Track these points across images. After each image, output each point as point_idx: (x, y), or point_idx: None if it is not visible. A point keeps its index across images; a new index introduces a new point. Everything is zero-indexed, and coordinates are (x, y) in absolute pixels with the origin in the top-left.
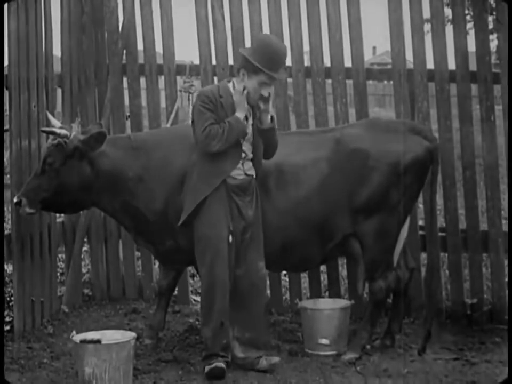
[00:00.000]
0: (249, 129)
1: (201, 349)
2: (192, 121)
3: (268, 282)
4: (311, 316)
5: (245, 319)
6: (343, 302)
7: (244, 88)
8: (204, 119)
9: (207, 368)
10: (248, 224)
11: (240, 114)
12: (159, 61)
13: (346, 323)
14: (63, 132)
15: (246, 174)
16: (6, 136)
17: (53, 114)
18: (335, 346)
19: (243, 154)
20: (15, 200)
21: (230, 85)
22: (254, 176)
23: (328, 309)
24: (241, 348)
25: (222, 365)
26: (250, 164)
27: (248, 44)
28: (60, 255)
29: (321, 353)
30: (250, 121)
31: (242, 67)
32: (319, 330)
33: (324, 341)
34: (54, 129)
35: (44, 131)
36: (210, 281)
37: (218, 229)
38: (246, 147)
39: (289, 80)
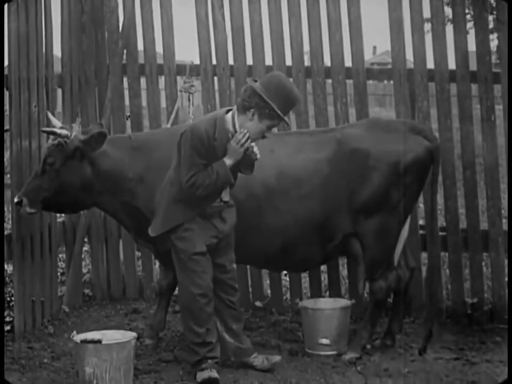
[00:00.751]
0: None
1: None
2: (178, 149)
3: (268, 281)
4: (312, 316)
5: (228, 313)
6: (344, 302)
7: (245, 142)
8: (191, 164)
9: (199, 377)
10: (223, 236)
11: (229, 162)
12: (159, 61)
13: (346, 323)
14: (64, 132)
15: (222, 201)
16: (6, 136)
17: (53, 114)
18: (335, 346)
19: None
20: (15, 200)
21: (229, 119)
22: (230, 201)
23: (329, 308)
24: (231, 338)
25: (215, 374)
26: (228, 190)
27: (248, 43)
28: (60, 255)
29: (322, 353)
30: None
31: (254, 107)
32: (320, 330)
33: (325, 341)
34: (54, 129)
35: (44, 131)
36: (192, 292)
37: (196, 245)
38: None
39: (289, 80)
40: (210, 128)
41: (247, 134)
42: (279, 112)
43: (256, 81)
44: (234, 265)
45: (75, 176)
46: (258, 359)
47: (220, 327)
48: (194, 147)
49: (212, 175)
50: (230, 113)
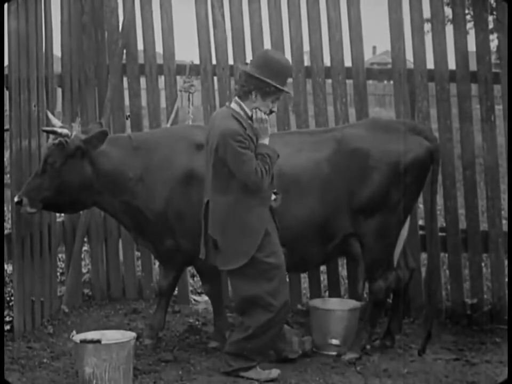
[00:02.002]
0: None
1: (202, 348)
2: (216, 152)
3: None
4: (323, 316)
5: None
6: (353, 303)
7: (264, 113)
8: (246, 159)
9: (255, 375)
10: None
11: (267, 141)
12: (159, 60)
13: (355, 324)
14: (64, 131)
15: (275, 194)
16: (6, 136)
17: (53, 114)
18: (344, 347)
19: None
20: (16, 199)
21: (238, 109)
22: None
23: (340, 309)
24: (288, 334)
25: (278, 371)
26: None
27: (248, 43)
28: (59, 255)
29: (331, 353)
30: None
31: (254, 89)
32: (330, 331)
33: (335, 341)
34: (55, 128)
35: (45, 130)
36: (280, 305)
37: (280, 254)
38: None
39: (289, 80)
40: (235, 123)
41: (261, 110)
42: (278, 86)
43: (247, 64)
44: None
45: (76, 176)
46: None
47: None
48: (238, 145)
49: (264, 158)
50: (233, 105)
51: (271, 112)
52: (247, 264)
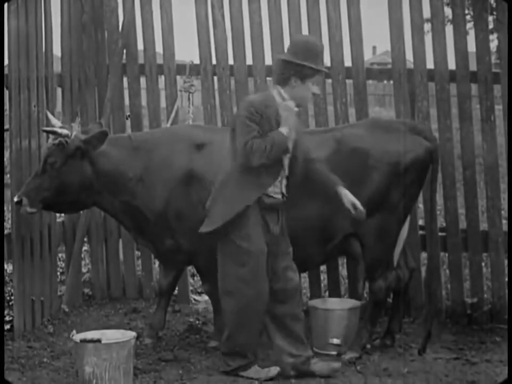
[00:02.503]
0: (290, 145)
1: (202, 348)
2: (233, 130)
3: None
4: (323, 316)
5: (284, 327)
6: (353, 302)
7: (293, 106)
8: (247, 131)
9: (254, 373)
10: (274, 238)
11: (284, 130)
12: (159, 60)
13: (356, 323)
14: (65, 131)
15: (282, 194)
16: (6, 135)
17: (53, 114)
18: (344, 347)
19: (282, 171)
20: (15, 199)
21: (275, 94)
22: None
23: (340, 309)
24: (290, 347)
25: (278, 368)
26: (286, 181)
27: (248, 43)
28: (60, 255)
29: (331, 352)
30: (293, 135)
31: (294, 74)
32: (330, 330)
33: (335, 341)
34: (55, 128)
35: (45, 130)
36: (250, 294)
37: (258, 243)
38: (286, 163)
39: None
40: (260, 98)
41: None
42: (315, 66)
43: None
44: (293, 275)
45: (76, 176)
46: (318, 365)
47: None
48: (250, 115)
49: (268, 140)
50: (272, 91)
51: (313, 94)
52: (224, 243)
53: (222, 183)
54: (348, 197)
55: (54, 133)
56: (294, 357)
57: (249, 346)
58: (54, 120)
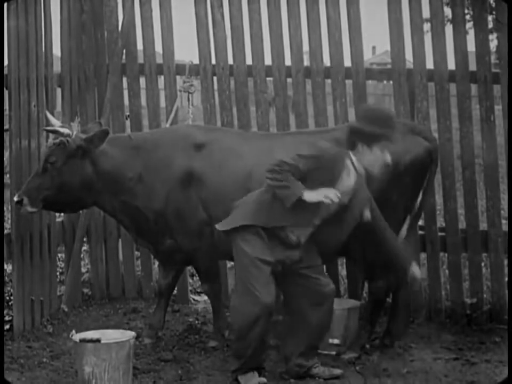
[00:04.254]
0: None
1: (201, 348)
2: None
3: None
4: None
5: (308, 336)
6: (353, 302)
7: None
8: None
9: (244, 380)
10: (292, 263)
11: (306, 197)
12: (159, 60)
13: (356, 323)
14: (66, 130)
15: (297, 241)
16: (6, 135)
17: (52, 114)
18: (344, 347)
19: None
20: (15, 199)
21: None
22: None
23: (340, 308)
24: (301, 357)
25: (264, 379)
26: (320, 215)
27: (248, 43)
28: (59, 255)
29: (331, 352)
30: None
31: (359, 140)
32: (330, 330)
33: (335, 341)
34: (57, 127)
35: (46, 130)
36: (265, 302)
37: (262, 251)
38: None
39: (289, 80)
40: (310, 155)
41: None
42: (377, 130)
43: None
44: (327, 281)
45: (76, 175)
46: (318, 368)
47: (288, 352)
48: (310, 159)
49: (290, 181)
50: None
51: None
52: (235, 247)
53: (260, 192)
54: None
55: (55, 132)
56: (301, 367)
57: (252, 356)
58: (53, 120)
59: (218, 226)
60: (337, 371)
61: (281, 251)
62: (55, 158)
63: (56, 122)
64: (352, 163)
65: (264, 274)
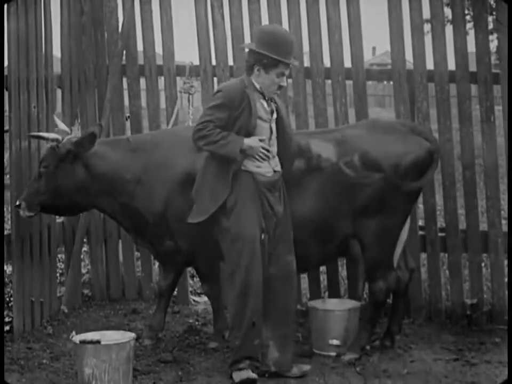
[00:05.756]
0: (273, 126)
1: (201, 349)
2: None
3: None
4: (322, 317)
5: (277, 316)
6: (353, 303)
7: (269, 99)
8: (209, 112)
9: (236, 377)
10: (279, 220)
11: (244, 146)
12: (159, 61)
13: (356, 324)
14: (52, 135)
15: (274, 171)
16: (6, 136)
17: (52, 115)
18: (344, 348)
19: (268, 153)
20: (16, 203)
21: (248, 82)
22: (281, 172)
23: (340, 309)
24: (275, 346)
25: (253, 375)
26: (277, 160)
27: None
28: (59, 256)
29: (331, 353)
30: (275, 116)
31: (255, 63)
32: (330, 331)
33: (335, 342)
34: (41, 133)
35: (31, 136)
36: (246, 282)
37: (252, 229)
38: (272, 145)
39: (289, 80)
40: (239, 83)
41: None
42: (276, 56)
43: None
44: (292, 258)
45: (69, 179)
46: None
47: (265, 333)
48: (219, 97)
49: (222, 135)
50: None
51: (280, 87)
52: (220, 232)
53: (203, 172)
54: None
55: (40, 137)
56: (275, 362)
57: (249, 340)
58: (61, 125)
59: (190, 220)
60: (306, 367)
61: (270, 211)
62: (47, 163)
63: (63, 127)
64: (254, 86)
65: (255, 252)
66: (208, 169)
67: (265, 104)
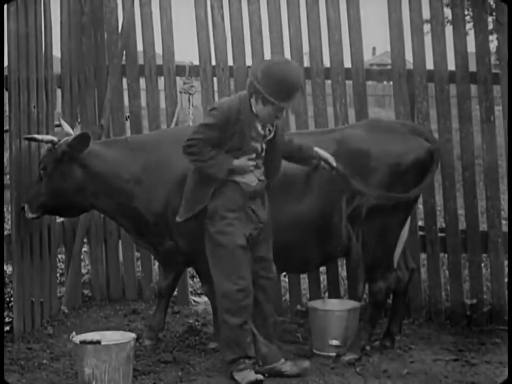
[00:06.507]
0: (264, 144)
1: (201, 349)
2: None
3: None
4: (322, 317)
5: (260, 312)
6: (353, 303)
7: (264, 127)
8: (201, 129)
9: (242, 378)
10: (263, 225)
11: (233, 167)
12: (159, 61)
13: (356, 324)
14: (46, 137)
15: (259, 180)
16: (6, 136)
17: (52, 115)
18: (344, 348)
19: (258, 160)
20: (21, 205)
21: (252, 102)
22: (265, 181)
23: (340, 310)
24: (262, 342)
25: (261, 376)
26: (262, 170)
27: (248, 44)
28: (59, 256)
29: (331, 354)
30: (270, 137)
31: (253, 93)
32: (330, 332)
33: (335, 342)
34: (35, 135)
35: (26, 138)
36: (229, 287)
37: (235, 237)
38: (259, 158)
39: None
40: (236, 103)
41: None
42: (271, 99)
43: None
44: (271, 263)
45: (67, 180)
46: (286, 365)
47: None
48: (214, 116)
49: (211, 155)
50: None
51: (277, 117)
52: (207, 239)
53: (191, 174)
54: (324, 155)
55: (34, 140)
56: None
57: (236, 348)
58: (66, 127)
59: (178, 218)
60: (305, 363)
61: (254, 217)
62: (45, 164)
63: (68, 129)
64: (251, 108)
65: (241, 259)
66: (196, 173)
67: (259, 128)
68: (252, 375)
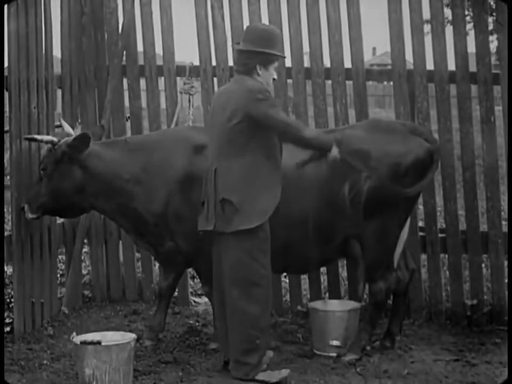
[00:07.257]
0: None
1: (202, 350)
2: (241, 121)
3: None
4: (323, 317)
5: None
6: (353, 304)
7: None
8: (289, 121)
9: (268, 376)
10: None
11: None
12: (159, 62)
13: (356, 325)
14: (46, 138)
15: None
16: (6, 137)
17: (53, 116)
18: (344, 348)
19: None
20: (21, 205)
21: (256, 75)
22: None
23: (340, 310)
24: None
25: (288, 370)
26: None
27: None
28: (60, 256)
29: (331, 354)
30: None
31: (258, 63)
32: (331, 332)
33: (335, 343)
34: (35, 136)
35: (26, 138)
36: (258, 314)
37: (268, 271)
38: None
39: (289, 81)
40: (256, 82)
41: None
42: (275, 52)
43: (238, 43)
44: None
45: (66, 180)
46: (266, 373)
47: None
48: (271, 104)
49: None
50: (244, 77)
51: (274, 79)
52: (252, 230)
53: (244, 174)
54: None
55: (34, 140)
56: (247, 365)
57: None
58: (67, 128)
59: (240, 226)
60: (285, 371)
61: None
62: (45, 165)
63: (69, 130)
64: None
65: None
66: (258, 177)
67: None
68: (278, 372)
